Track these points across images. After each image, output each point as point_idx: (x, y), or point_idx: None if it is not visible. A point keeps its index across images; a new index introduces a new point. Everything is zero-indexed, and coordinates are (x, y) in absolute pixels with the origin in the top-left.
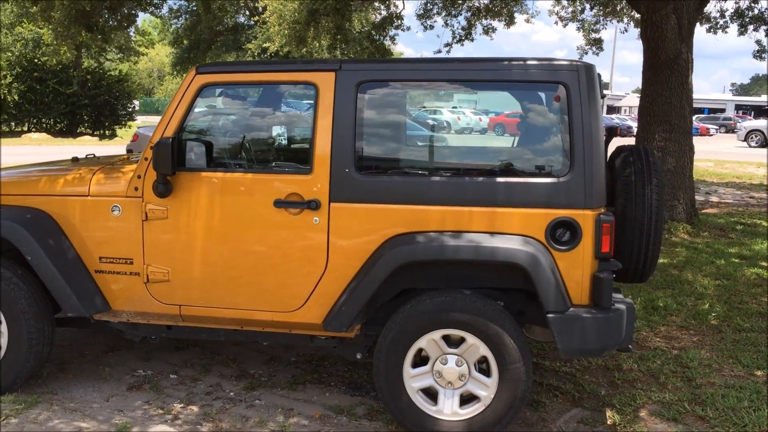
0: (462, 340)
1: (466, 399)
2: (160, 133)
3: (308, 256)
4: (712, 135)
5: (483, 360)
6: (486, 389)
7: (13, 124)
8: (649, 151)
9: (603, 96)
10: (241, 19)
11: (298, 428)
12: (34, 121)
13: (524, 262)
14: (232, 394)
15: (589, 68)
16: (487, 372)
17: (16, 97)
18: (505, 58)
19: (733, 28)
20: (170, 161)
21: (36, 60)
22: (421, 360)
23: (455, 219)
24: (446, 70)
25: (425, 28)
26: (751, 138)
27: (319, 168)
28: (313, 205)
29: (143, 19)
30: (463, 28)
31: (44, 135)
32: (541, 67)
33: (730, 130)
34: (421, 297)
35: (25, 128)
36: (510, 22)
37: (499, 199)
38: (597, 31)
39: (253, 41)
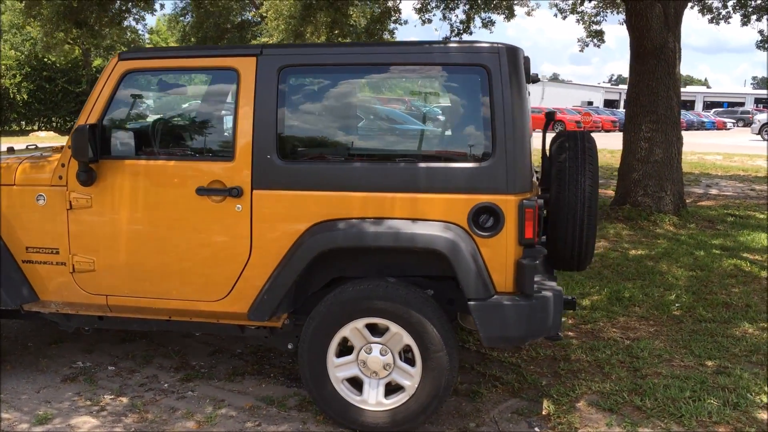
0: (386, 328)
1: (393, 389)
2: (83, 121)
3: (232, 244)
4: (729, 129)
5: (408, 349)
6: (410, 379)
7: (23, 123)
8: (587, 136)
9: (534, 80)
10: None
11: (225, 419)
12: (44, 119)
13: (443, 248)
14: (166, 385)
15: (512, 51)
16: (412, 361)
17: (25, 96)
18: (426, 41)
19: (736, 18)
20: (87, 149)
21: (45, 59)
22: (346, 349)
23: (377, 205)
24: (367, 54)
25: (423, 21)
26: (765, 131)
27: (241, 155)
28: (235, 193)
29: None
30: (461, 22)
31: (51, 133)
32: (461, 49)
33: (748, 123)
34: (344, 285)
35: (35, 127)
36: (510, 14)
37: (420, 184)
38: (598, 23)
39: (258, 38)
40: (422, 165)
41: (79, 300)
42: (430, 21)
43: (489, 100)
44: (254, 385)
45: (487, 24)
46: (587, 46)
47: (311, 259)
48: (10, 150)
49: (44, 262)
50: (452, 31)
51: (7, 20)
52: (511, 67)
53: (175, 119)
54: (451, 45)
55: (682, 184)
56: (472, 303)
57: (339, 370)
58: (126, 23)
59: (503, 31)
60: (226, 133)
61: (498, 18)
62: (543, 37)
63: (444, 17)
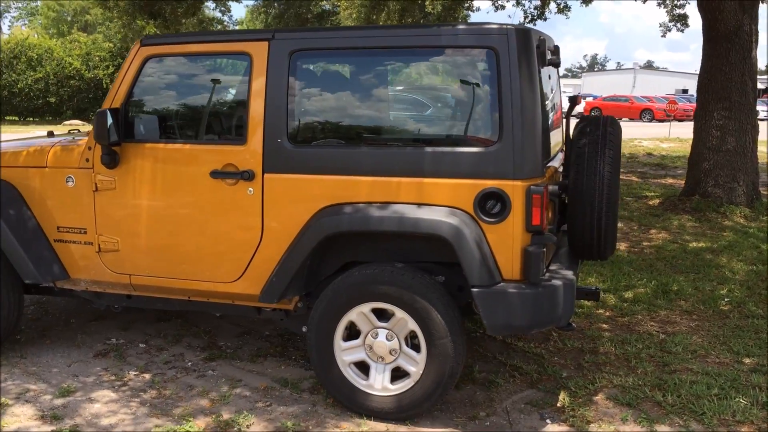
0: (392, 314)
1: (400, 375)
2: (107, 105)
3: (244, 226)
4: None
5: (414, 335)
6: (416, 365)
7: None
8: (610, 121)
9: (555, 64)
10: (326, 6)
11: (237, 399)
12: None
13: (447, 233)
14: (189, 363)
15: (523, 33)
16: (417, 347)
17: None
18: (435, 24)
19: None
20: (107, 132)
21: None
22: (354, 333)
23: (384, 190)
24: (376, 37)
25: (496, 8)
26: None
27: (253, 139)
28: (247, 176)
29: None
30: (535, 8)
31: None
32: (469, 31)
33: None
34: (351, 270)
35: None
36: None
37: (427, 169)
38: (681, 6)
39: None
40: (429, 149)
41: (106, 279)
42: (503, 7)
43: (497, 83)
44: (274, 367)
45: (563, 9)
46: (669, 30)
47: (317, 243)
48: (50, 134)
49: (73, 242)
50: (526, 17)
51: (101, 12)
52: (521, 49)
53: (193, 103)
54: (460, 27)
55: (757, 175)
56: (475, 290)
57: (346, 353)
58: (211, 14)
59: (595, 18)
60: (239, 117)
61: (574, 3)
62: (639, 23)
63: (518, 3)
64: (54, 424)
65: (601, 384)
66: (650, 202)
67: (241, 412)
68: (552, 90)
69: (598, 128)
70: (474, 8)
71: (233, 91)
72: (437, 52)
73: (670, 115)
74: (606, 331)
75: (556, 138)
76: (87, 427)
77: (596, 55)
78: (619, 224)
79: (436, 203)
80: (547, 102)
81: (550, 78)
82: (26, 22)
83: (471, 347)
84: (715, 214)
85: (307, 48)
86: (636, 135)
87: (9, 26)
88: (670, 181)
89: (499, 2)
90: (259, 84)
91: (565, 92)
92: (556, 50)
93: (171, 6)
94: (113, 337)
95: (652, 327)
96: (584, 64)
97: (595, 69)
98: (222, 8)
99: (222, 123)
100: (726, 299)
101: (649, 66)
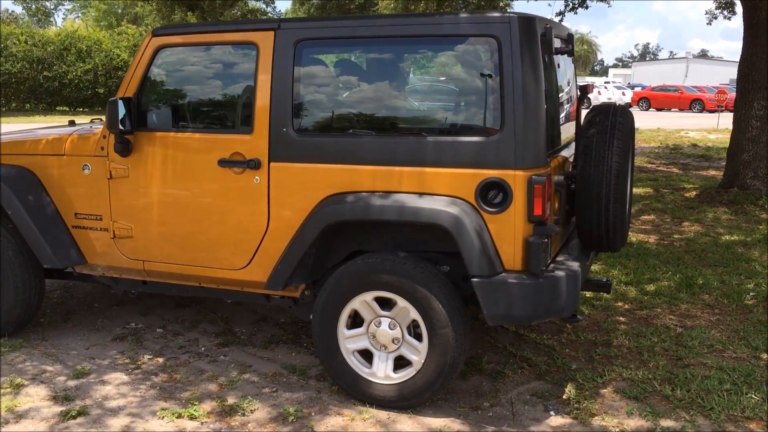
0: (395, 303)
1: (404, 363)
2: (121, 94)
3: (251, 214)
4: None
5: (417, 324)
6: (418, 354)
7: None
8: (620, 110)
9: (564, 52)
10: None
11: (245, 384)
12: None
13: (447, 223)
14: (203, 349)
15: (526, 21)
16: (420, 337)
17: None
18: (438, 12)
19: None
20: (117, 121)
21: None
22: (358, 322)
23: (386, 179)
24: (379, 27)
25: None
26: None
27: (259, 127)
28: (253, 165)
29: None
30: None
31: None
32: (471, 20)
33: None
34: (355, 259)
35: None
36: None
37: (428, 158)
38: None
39: None
40: (430, 138)
41: (120, 264)
42: None
43: (499, 72)
44: (285, 353)
45: None
46: (716, 18)
47: (320, 232)
48: (71, 123)
49: (90, 228)
50: (566, 6)
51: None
52: (523, 37)
53: (202, 93)
54: (462, 16)
55: None
56: (475, 280)
57: (349, 341)
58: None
59: (649, 6)
60: (246, 106)
61: None
62: (693, 11)
63: None
64: (64, 405)
65: (610, 377)
66: (687, 194)
67: (246, 397)
68: (567, 79)
69: (608, 118)
70: None
71: (241, 81)
72: (440, 41)
73: (720, 106)
74: (622, 323)
75: (572, 127)
76: (95, 409)
77: (648, 44)
78: (651, 216)
79: (437, 193)
80: (556, 91)
81: (559, 66)
82: (79, 14)
83: (482, 338)
84: (752, 207)
85: (313, 37)
86: (684, 126)
87: (63, 18)
88: (712, 173)
89: None
90: (265, 73)
91: (613, 82)
92: (568, 39)
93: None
94: (133, 321)
95: (670, 321)
96: (636, 54)
97: (647, 58)
98: (266, 1)
99: (230, 112)
100: (752, 294)
101: (703, 55)
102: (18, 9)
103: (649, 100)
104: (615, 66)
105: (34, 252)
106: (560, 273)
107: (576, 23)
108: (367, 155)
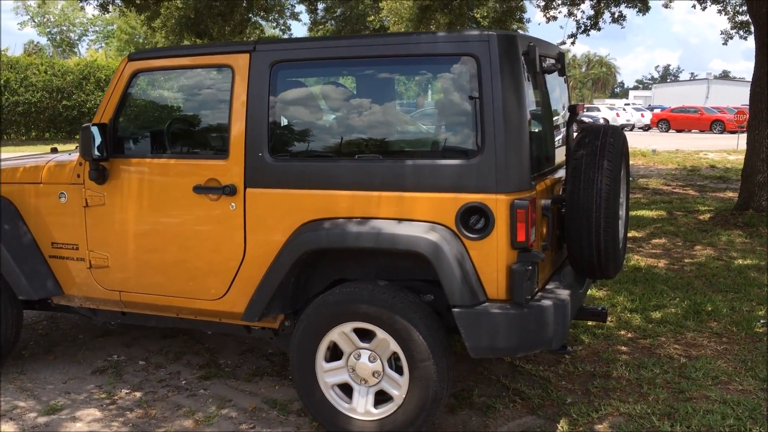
0: (375, 334)
1: (385, 398)
2: (97, 120)
3: (227, 243)
4: None
5: (397, 357)
6: (398, 388)
7: None
8: (611, 131)
9: (551, 71)
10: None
11: (223, 420)
12: None
13: (425, 250)
14: (184, 382)
15: (506, 39)
16: (401, 370)
17: None
18: (415, 32)
19: None
20: (91, 147)
21: None
22: (337, 354)
23: (364, 204)
24: (357, 47)
25: (548, 19)
26: None
27: (235, 152)
28: (228, 191)
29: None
30: (588, 18)
31: None
32: (449, 39)
33: None
34: (333, 288)
35: None
36: (644, 8)
37: (407, 183)
38: (743, 13)
39: None
40: (409, 162)
41: (97, 295)
42: (555, 18)
43: (478, 92)
44: (268, 387)
45: (618, 18)
46: (731, 38)
47: (296, 260)
48: (53, 150)
49: (67, 258)
50: (578, 28)
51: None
52: (503, 56)
53: (178, 117)
54: (440, 34)
55: None
56: (455, 310)
57: (328, 375)
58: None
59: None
60: (222, 131)
61: (630, 12)
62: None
63: (569, 14)
64: None
65: (606, 411)
66: (701, 217)
67: None
68: (559, 99)
69: (597, 138)
70: (525, 20)
71: (217, 105)
72: (418, 61)
73: (740, 126)
74: (624, 353)
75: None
76: None
77: (669, 65)
78: (662, 240)
79: (416, 218)
80: (545, 111)
81: (546, 85)
82: (102, 45)
83: (475, 369)
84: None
85: (288, 59)
86: (703, 147)
87: (86, 49)
88: (729, 194)
89: (551, 13)
90: (240, 96)
91: (633, 104)
92: (559, 58)
93: (218, 25)
94: (115, 353)
95: (675, 350)
96: (656, 76)
97: (668, 80)
98: (282, 27)
99: (206, 137)
100: (762, 321)
101: (724, 76)
102: (43, 40)
103: (669, 121)
104: (635, 88)
105: (9, 283)
106: (547, 302)
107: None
108: (345, 180)
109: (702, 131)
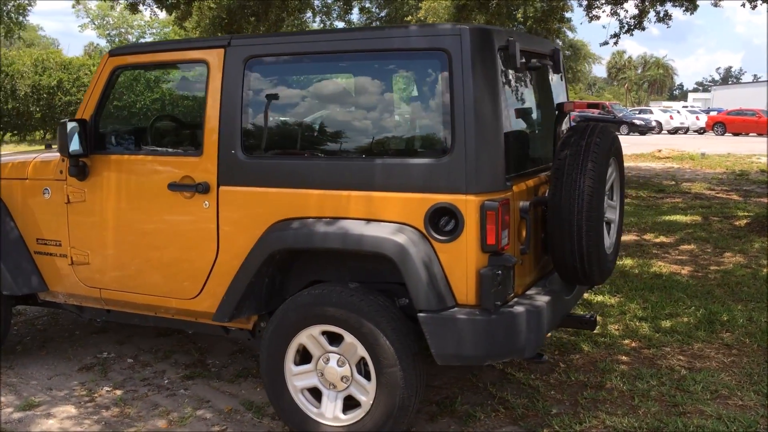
0: (343, 338)
1: (354, 404)
2: (79, 116)
3: (201, 241)
4: None
5: (366, 362)
6: (366, 395)
7: None
8: (599, 130)
9: (531, 67)
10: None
11: (196, 421)
12: None
13: (390, 252)
14: (166, 381)
15: (479, 33)
16: (369, 376)
17: None
18: (387, 26)
19: None
20: (67, 143)
21: None
22: (307, 357)
23: (335, 204)
24: (327, 41)
25: (590, 19)
26: None
27: (209, 150)
28: (201, 189)
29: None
30: (633, 17)
31: None
32: (420, 33)
33: None
34: (303, 290)
35: None
36: (691, 6)
37: (377, 182)
38: None
39: None
40: (379, 161)
41: (79, 292)
42: (597, 18)
43: (449, 89)
44: (250, 388)
45: (663, 18)
46: None
47: (264, 260)
48: (48, 147)
49: (51, 254)
50: (622, 28)
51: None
52: (476, 51)
53: (155, 114)
54: (412, 28)
55: None
56: (421, 315)
57: (297, 378)
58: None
59: (731, 29)
60: (197, 127)
61: (677, 11)
62: None
63: (613, 13)
64: None
65: (591, 424)
66: (737, 223)
67: None
68: (556, 97)
69: (583, 138)
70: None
71: (193, 101)
72: (389, 56)
73: None
74: (623, 364)
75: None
76: None
77: (730, 67)
78: (691, 246)
79: (386, 219)
80: (530, 109)
81: (534, 83)
82: None
83: (463, 376)
84: None
85: (262, 54)
86: (757, 151)
87: None
88: None
89: (593, 13)
90: (214, 92)
91: (691, 107)
92: (553, 54)
93: (252, 25)
94: (107, 350)
95: (678, 361)
96: (717, 78)
97: (729, 82)
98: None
99: (181, 133)
100: None
101: None
102: (103, 42)
103: (725, 124)
104: (695, 90)
105: None
106: (519, 309)
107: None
108: (315, 179)
109: (760, 134)
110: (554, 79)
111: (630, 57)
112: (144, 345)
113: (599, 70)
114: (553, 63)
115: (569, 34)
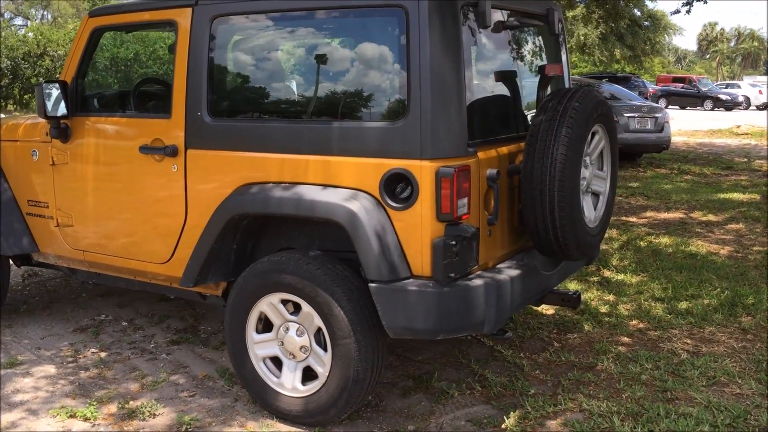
0: (301, 307)
1: (313, 375)
2: (62, 78)
3: (171, 206)
4: None
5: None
6: (323, 366)
7: None
8: (579, 95)
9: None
10: None
11: (168, 386)
12: None
13: (341, 218)
14: (152, 345)
15: None
16: (327, 347)
17: None
18: None
19: None
20: (43, 105)
21: None
22: (269, 326)
23: (294, 169)
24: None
25: None
26: None
27: (177, 112)
28: (169, 151)
29: None
30: None
31: None
32: None
33: None
34: (263, 257)
35: None
36: None
37: (334, 147)
38: None
39: None
40: (336, 124)
41: (65, 254)
42: None
43: (405, 48)
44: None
45: None
46: None
47: (224, 225)
48: None
49: (39, 216)
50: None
51: None
52: (433, 8)
53: (131, 75)
54: None
55: None
56: (371, 285)
57: (259, 347)
58: None
59: None
60: (167, 89)
61: None
62: None
63: None
64: None
65: (566, 406)
66: None
67: (158, 401)
68: (547, 59)
69: (560, 103)
70: None
71: (164, 62)
72: (347, 14)
73: None
74: (622, 345)
75: None
76: None
77: None
78: (739, 225)
79: (342, 185)
80: (508, 71)
81: (513, 43)
82: None
83: (449, 351)
84: None
85: (227, 13)
86: None
87: None
88: None
89: None
90: (182, 53)
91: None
92: (548, 14)
93: None
94: (105, 313)
95: (683, 345)
96: None
97: None
98: None
99: (153, 95)
100: None
101: None
102: None
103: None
104: None
105: None
106: (477, 282)
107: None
108: (275, 143)
109: None
110: (550, 41)
111: (722, 29)
112: (143, 309)
113: (683, 42)
114: (548, 24)
115: (649, 3)
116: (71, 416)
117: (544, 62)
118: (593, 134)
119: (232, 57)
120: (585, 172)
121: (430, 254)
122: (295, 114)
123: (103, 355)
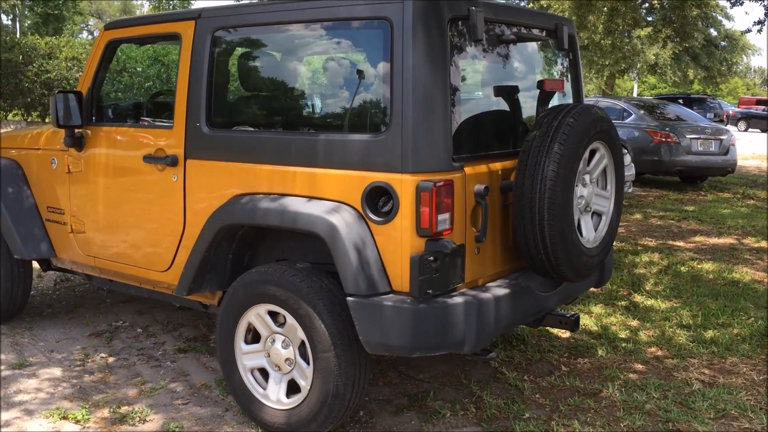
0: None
1: (297, 388)
2: (80, 89)
3: (171, 214)
4: None
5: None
6: (305, 379)
7: None
8: (576, 111)
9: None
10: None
11: (164, 393)
12: None
13: (322, 231)
14: (160, 353)
15: (426, 2)
16: (309, 360)
17: None
18: None
19: None
20: (56, 115)
21: None
22: (257, 337)
23: (282, 180)
24: (281, 12)
25: (732, 4)
26: None
27: (178, 122)
28: (169, 161)
29: None
30: None
31: None
32: (364, 1)
33: None
34: (253, 268)
35: None
36: None
37: (319, 159)
38: None
39: None
40: (322, 137)
41: (79, 260)
42: (741, 3)
43: (389, 60)
44: None
45: None
46: None
47: (214, 235)
48: None
49: (57, 222)
50: (767, 13)
51: None
52: (418, 20)
53: (141, 86)
54: None
55: None
56: (349, 299)
57: (247, 358)
58: None
59: None
60: (170, 100)
61: None
62: None
63: None
64: None
65: None
66: None
67: (150, 407)
68: (550, 74)
69: (555, 118)
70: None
71: (170, 74)
72: (335, 27)
73: None
74: (634, 372)
75: None
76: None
77: None
78: None
79: (326, 197)
80: (503, 85)
81: (510, 58)
82: None
83: (452, 371)
84: None
85: (227, 26)
86: None
87: None
88: None
89: None
90: (185, 65)
91: None
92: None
93: None
94: (123, 319)
95: (699, 375)
96: None
97: None
98: None
99: (158, 106)
100: None
101: None
102: None
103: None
104: None
105: (7, 243)
106: (457, 300)
107: None
108: (266, 154)
109: None
110: (560, 57)
111: None
112: (160, 317)
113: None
114: (557, 39)
115: (726, 23)
116: (63, 418)
117: (549, 75)
118: (593, 152)
119: (227, 69)
120: (584, 191)
121: (409, 269)
122: (284, 126)
123: (110, 360)
